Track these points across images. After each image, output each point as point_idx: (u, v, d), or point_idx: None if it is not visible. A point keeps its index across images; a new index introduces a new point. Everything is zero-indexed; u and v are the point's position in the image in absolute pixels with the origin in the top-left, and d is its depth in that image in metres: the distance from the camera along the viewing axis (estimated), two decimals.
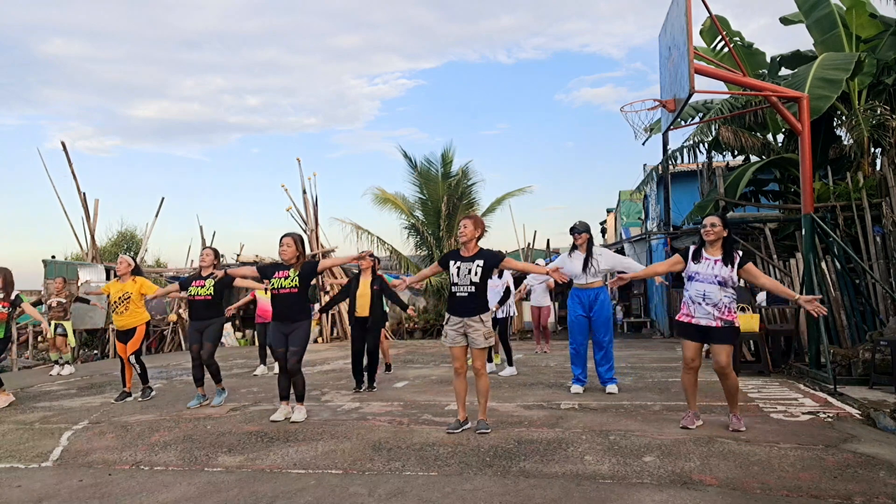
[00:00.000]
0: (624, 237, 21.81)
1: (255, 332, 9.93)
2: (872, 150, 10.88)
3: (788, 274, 9.77)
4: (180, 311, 15.33)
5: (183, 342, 15.08)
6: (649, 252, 16.93)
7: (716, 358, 4.86)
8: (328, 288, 16.06)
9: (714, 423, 5.07)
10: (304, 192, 16.55)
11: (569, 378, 7.15)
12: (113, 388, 7.94)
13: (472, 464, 4.24)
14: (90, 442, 5.21)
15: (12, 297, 7.12)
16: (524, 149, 75.93)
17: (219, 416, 5.99)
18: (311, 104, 79.99)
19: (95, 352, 14.39)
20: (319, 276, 14.85)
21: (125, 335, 7.01)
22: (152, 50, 68.05)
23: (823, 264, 8.26)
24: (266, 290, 7.31)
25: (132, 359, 7.00)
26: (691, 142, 14.56)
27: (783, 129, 12.65)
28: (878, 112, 10.44)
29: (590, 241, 6.73)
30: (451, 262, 5.15)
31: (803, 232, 7.92)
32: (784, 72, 12.67)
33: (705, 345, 5.05)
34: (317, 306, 15.32)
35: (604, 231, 29.93)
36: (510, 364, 8.59)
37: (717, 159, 14.79)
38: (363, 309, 7.26)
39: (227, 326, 15.25)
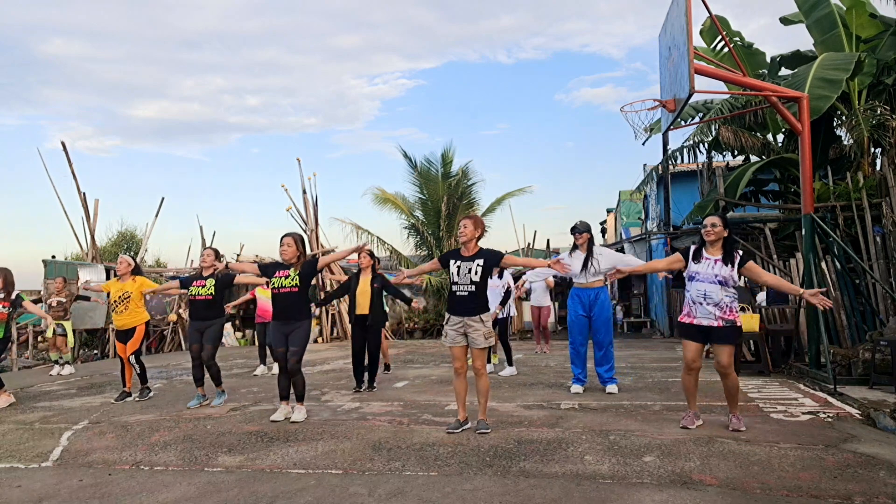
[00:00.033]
0: (624, 237, 21.81)
1: (255, 332, 9.93)
2: (872, 150, 10.88)
3: (788, 274, 9.77)
4: (180, 311, 15.34)
5: (183, 342, 15.08)
6: (649, 252, 16.93)
7: (717, 357, 4.86)
8: (328, 288, 16.06)
9: (714, 423, 5.07)
10: (304, 192, 16.57)
11: (569, 378, 7.15)
12: (113, 388, 7.95)
13: (472, 464, 4.24)
14: (90, 442, 5.21)
15: (13, 297, 7.13)
16: (524, 149, 75.99)
17: (219, 416, 5.99)
18: (311, 104, 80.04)
19: (95, 352, 14.39)
20: (319, 275, 14.84)
21: (125, 335, 7.01)
22: (152, 50, 68.12)
23: (823, 264, 8.26)
24: (267, 284, 7.30)
25: (132, 359, 7.00)
26: (691, 142, 14.57)
27: (783, 129, 12.65)
28: (878, 112, 10.44)
29: (590, 241, 6.73)
30: (452, 262, 5.15)
31: (803, 232, 7.93)
32: (784, 72, 12.68)
33: (706, 346, 5.05)
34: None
35: (604, 231, 29.93)
36: (510, 364, 8.59)
37: (717, 159, 14.81)
38: (363, 307, 7.27)
39: (227, 326, 15.25)
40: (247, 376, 9.06)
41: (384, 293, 7.59)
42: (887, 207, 9.09)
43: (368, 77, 77.56)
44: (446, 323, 5.18)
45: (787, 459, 4.07)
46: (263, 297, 9.09)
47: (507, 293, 8.60)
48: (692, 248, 5.06)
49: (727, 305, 4.80)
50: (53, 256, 14.80)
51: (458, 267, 5.08)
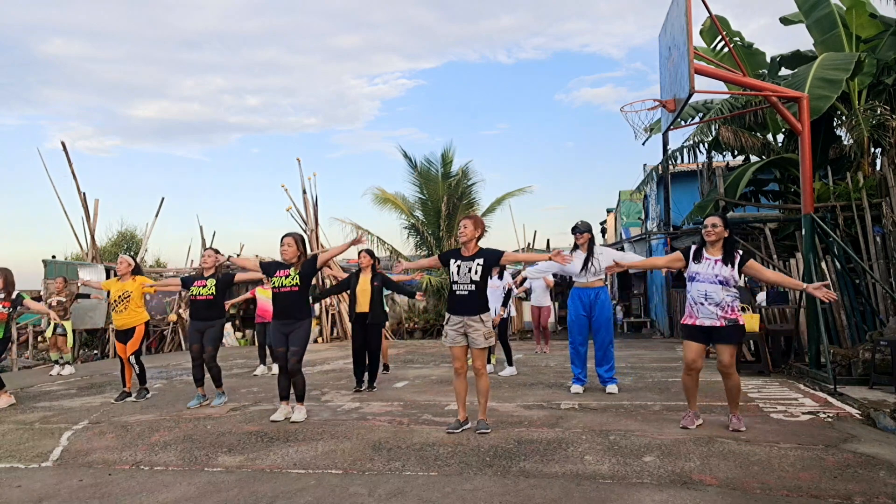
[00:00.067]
0: (624, 237, 21.82)
1: (255, 333, 9.94)
2: (872, 150, 10.88)
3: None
4: (180, 311, 15.34)
5: (183, 342, 15.08)
6: (649, 252, 16.93)
7: (720, 357, 4.85)
8: (328, 286, 16.07)
9: (714, 423, 5.07)
10: (304, 192, 16.57)
11: (569, 378, 7.15)
12: (113, 388, 7.95)
13: (472, 464, 4.24)
14: (90, 442, 5.21)
15: (13, 296, 7.13)
16: (524, 149, 75.97)
17: (219, 416, 5.99)
18: (311, 104, 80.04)
19: (95, 352, 14.40)
20: (319, 274, 14.84)
21: (124, 335, 7.01)
22: (152, 50, 68.12)
23: (823, 264, 8.26)
24: (266, 280, 7.31)
25: (132, 359, 7.00)
26: (691, 142, 14.57)
27: (783, 129, 12.65)
28: (878, 112, 10.44)
29: (591, 241, 6.73)
30: (452, 261, 5.16)
31: (803, 232, 7.93)
32: (784, 72, 12.68)
33: (709, 346, 5.04)
34: (317, 306, 15.36)
35: (604, 231, 29.94)
36: (510, 364, 8.60)
37: (717, 159, 14.80)
38: (363, 305, 7.28)
39: (227, 326, 15.25)
40: (247, 376, 9.06)
41: (385, 292, 7.59)
42: (887, 207, 9.09)
43: (368, 77, 77.61)
44: (446, 323, 5.18)
45: (787, 459, 4.07)
46: (263, 297, 9.09)
47: (508, 294, 8.60)
48: (693, 248, 5.05)
49: (729, 305, 4.80)
50: (53, 256, 14.80)
51: (458, 266, 5.09)
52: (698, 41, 12.64)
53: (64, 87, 66.14)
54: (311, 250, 15.88)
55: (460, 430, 5.04)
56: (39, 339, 14.42)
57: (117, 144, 68.53)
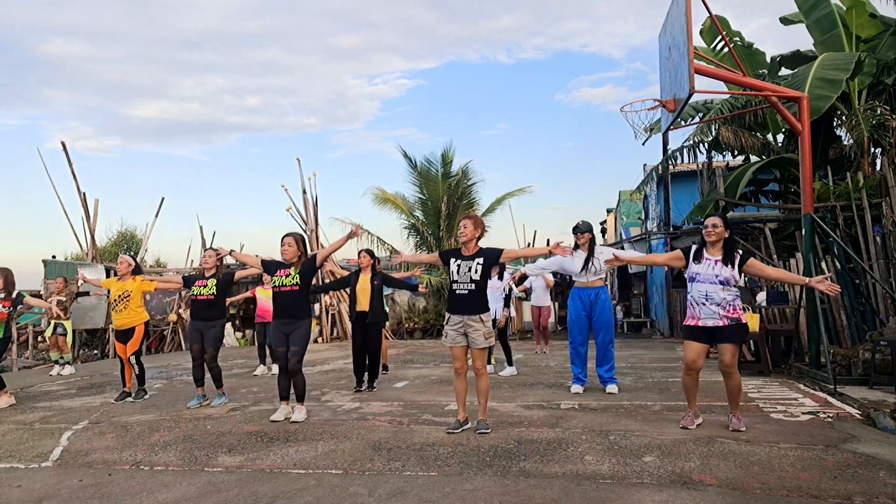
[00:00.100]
0: (624, 237, 21.83)
1: (255, 333, 9.94)
2: (872, 150, 10.88)
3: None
4: (180, 310, 15.34)
5: (183, 342, 15.08)
6: (649, 252, 16.94)
7: (722, 357, 4.85)
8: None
9: (714, 423, 5.07)
10: (304, 192, 16.56)
11: (569, 378, 7.15)
12: (113, 388, 7.95)
13: (472, 464, 4.24)
14: (90, 442, 5.21)
15: (13, 296, 7.13)
16: (524, 149, 75.91)
17: (219, 416, 5.99)
18: (311, 104, 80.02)
19: (95, 352, 14.40)
20: (319, 273, 14.83)
21: (124, 335, 7.00)
22: (152, 50, 68.07)
23: (823, 264, 8.27)
24: (265, 274, 7.31)
25: (132, 359, 7.00)
26: (691, 142, 14.57)
27: (783, 129, 12.65)
28: (878, 112, 10.44)
29: (592, 241, 6.73)
30: (452, 260, 5.16)
31: (803, 232, 7.92)
32: (784, 72, 12.68)
33: (711, 346, 5.03)
34: (317, 306, 15.37)
35: (604, 231, 29.94)
36: (510, 364, 8.60)
37: (717, 159, 14.81)
38: (363, 304, 7.29)
39: (227, 326, 15.26)
40: (247, 376, 9.06)
41: (385, 292, 7.60)
42: (887, 207, 9.09)
43: (368, 77, 77.57)
44: (446, 323, 5.18)
45: (787, 459, 4.07)
46: (263, 297, 9.09)
47: (509, 295, 8.60)
48: (693, 248, 5.05)
49: (730, 304, 4.79)
50: (54, 256, 14.82)
51: (458, 266, 5.09)
52: (698, 41, 12.65)
53: (64, 87, 66.17)
54: (312, 250, 15.88)
55: (460, 430, 5.04)
56: (39, 339, 14.43)
57: (117, 144, 68.56)
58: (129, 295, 6.96)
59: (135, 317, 7.00)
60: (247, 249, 18.49)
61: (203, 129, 71.52)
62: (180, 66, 72.44)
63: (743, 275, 4.99)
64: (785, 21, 13.07)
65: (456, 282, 5.09)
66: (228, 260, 7.25)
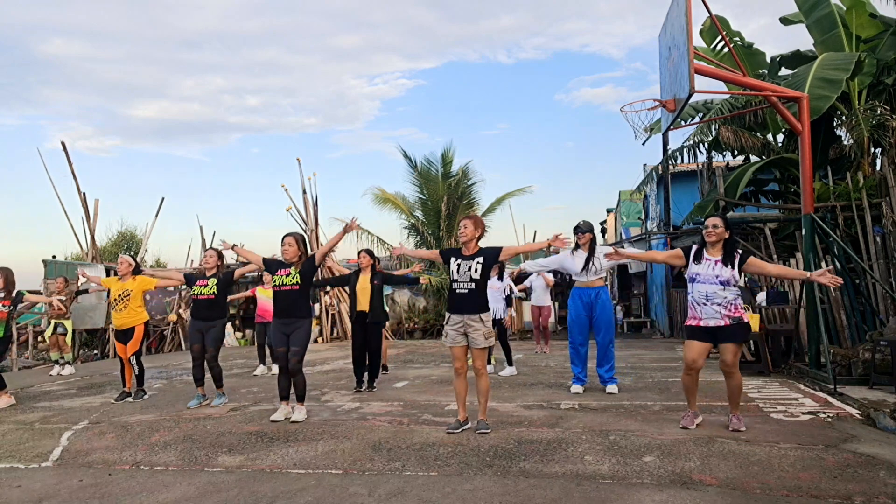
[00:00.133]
0: (624, 237, 21.83)
1: (255, 332, 9.95)
2: (872, 150, 10.89)
3: None
4: (180, 310, 15.34)
5: (183, 342, 15.08)
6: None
7: (723, 356, 4.85)
8: (328, 287, 16.06)
9: (714, 423, 5.07)
10: (304, 192, 16.57)
11: (569, 378, 7.15)
12: (113, 388, 7.95)
13: (472, 464, 4.24)
14: (90, 442, 5.21)
15: (13, 295, 7.14)
16: (524, 149, 75.87)
17: (219, 416, 5.99)
18: (311, 104, 79.99)
19: (95, 352, 14.40)
20: (319, 272, 14.85)
21: (124, 335, 7.00)
22: (152, 50, 68.03)
23: (823, 264, 8.26)
24: (268, 276, 7.31)
25: (132, 359, 7.00)
26: (691, 142, 14.57)
27: (783, 129, 12.66)
28: (878, 112, 10.45)
29: (593, 241, 6.73)
30: (452, 259, 5.17)
31: (803, 232, 7.92)
32: (784, 72, 12.68)
33: (713, 346, 5.02)
34: (317, 306, 15.37)
35: (604, 231, 29.95)
36: (510, 364, 8.60)
37: (717, 159, 14.81)
38: (363, 304, 7.29)
39: (227, 326, 15.26)
40: (247, 376, 9.06)
41: (385, 292, 7.60)
42: (887, 207, 9.10)
43: (368, 77, 77.53)
44: (446, 323, 5.18)
45: (787, 459, 4.07)
46: (264, 297, 9.10)
47: (510, 296, 8.60)
48: (693, 248, 5.05)
49: (731, 303, 4.79)
50: (54, 256, 14.82)
51: (459, 265, 5.10)
52: (698, 41, 12.65)
53: (64, 87, 66.13)
54: (312, 250, 15.89)
55: (460, 430, 5.04)
56: (39, 339, 14.43)
57: (117, 144, 68.51)
58: (129, 294, 6.96)
59: (134, 317, 7.00)
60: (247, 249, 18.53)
61: (203, 129, 71.52)
62: (180, 66, 72.45)
63: (743, 274, 4.99)
64: (785, 21, 13.08)
65: (456, 281, 5.09)
66: (230, 255, 7.26)
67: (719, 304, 4.79)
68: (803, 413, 5.46)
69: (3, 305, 6.98)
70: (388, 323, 10.20)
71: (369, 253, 7.62)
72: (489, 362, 8.76)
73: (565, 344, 7.96)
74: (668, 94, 7.91)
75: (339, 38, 75.65)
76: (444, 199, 17.62)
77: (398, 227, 19.77)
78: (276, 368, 6.44)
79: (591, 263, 6.63)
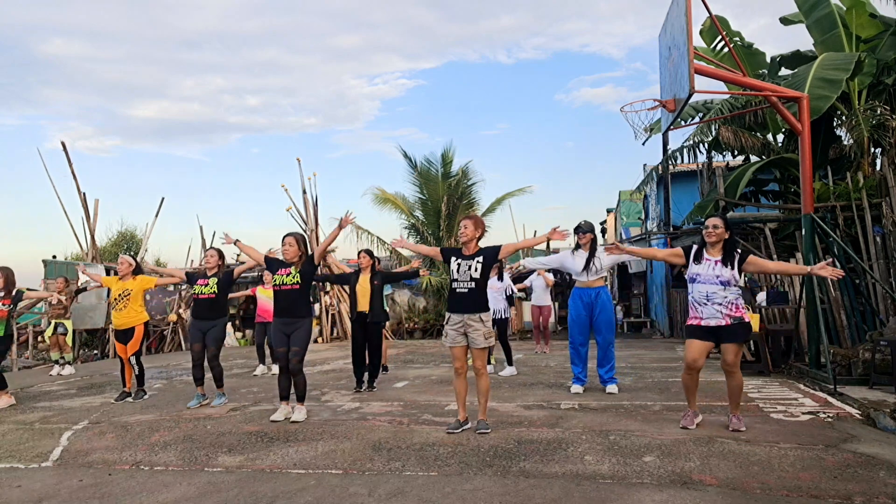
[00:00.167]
0: (624, 237, 21.82)
1: (255, 332, 9.96)
2: (872, 150, 10.89)
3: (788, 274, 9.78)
4: (180, 310, 15.34)
5: (183, 342, 15.09)
6: None
7: (724, 356, 4.84)
8: (328, 289, 16.06)
9: (714, 423, 5.07)
10: (304, 192, 16.57)
11: (569, 378, 7.15)
12: (113, 388, 7.95)
13: (472, 464, 4.24)
14: (90, 442, 5.21)
15: (13, 293, 7.14)
16: (524, 149, 75.89)
17: (219, 416, 5.99)
18: (311, 104, 79.98)
19: (95, 352, 14.40)
20: (319, 270, 14.86)
21: (124, 335, 7.00)
22: (152, 50, 68.02)
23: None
24: (269, 275, 7.33)
25: (132, 359, 7.00)
26: (691, 142, 14.58)
27: (783, 129, 12.66)
28: (878, 112, 10.45)
29: (594, 241, 6.74)
30: (453, 258, 5.17)
31: (803, 232, 7.92)
32: (784, 72, 12.69)
33: (715, 346, 5.02)
34: (317, 306, 15.37)
35: (604, 231, 29.94)
36: (510, 364, 8.60)
37: (717, 159, 14.82)
38: (363, 304, 7.30)
39: (227, 326, 15.25)
40: (247, 376, 9.06)
41: (385, 292, 7.60)
42: (887, 207, 9.10)
43: (368, 77, 77.53)
44: (446, 323, 5.18)
45: (787, 459, 4.07)
46: (264, 297, 9.10)
47: (510, 297, 8.61)
48: (693, 248, 5.05)
49: (732, 303, 4.79)
50: (54, 256, 14.82)
51: (459, 264, 5.10)
52: (698, 41, 12.65)
53: (64, 87, 66.11)
54: (312, 250, 15.89)
55: (460, 430, 5.04)
56: (39, 339, 14.44)
57: (117, 144, 68.49)
58: (129, 293, 6.96)
59: (134, 317, 6.99)
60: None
61: (203, 129, 71.51)
62: (180, 66, 72.45)
63: (743, 274, 4.98)
64: (785, 21, 13.08)
65: (456, 280, 5.10)
66: (233, 250, 7.27)
67: (720, 304, 4.78)
68: (803, 413, 5.46)
69: (4, 304, 6.98)
70: (388, 323, 10.21)
71: (369, 253, 7.62)
72: (489, 362, 8.76)
73: (565, 344, 7.97)
74: (668, 94, 7.91)
75: (339, 38, 75.67)
76: (444, 199, 17.62)
77: (398, 227, 19.78)
78: (276, 368, 6.45)
79: (591, 263, 6.63)
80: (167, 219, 62.80)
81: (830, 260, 5.35)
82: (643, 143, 11.46)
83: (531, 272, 11.54)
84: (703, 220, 5.69)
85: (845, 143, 11.87)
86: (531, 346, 12.28)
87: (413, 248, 6.11)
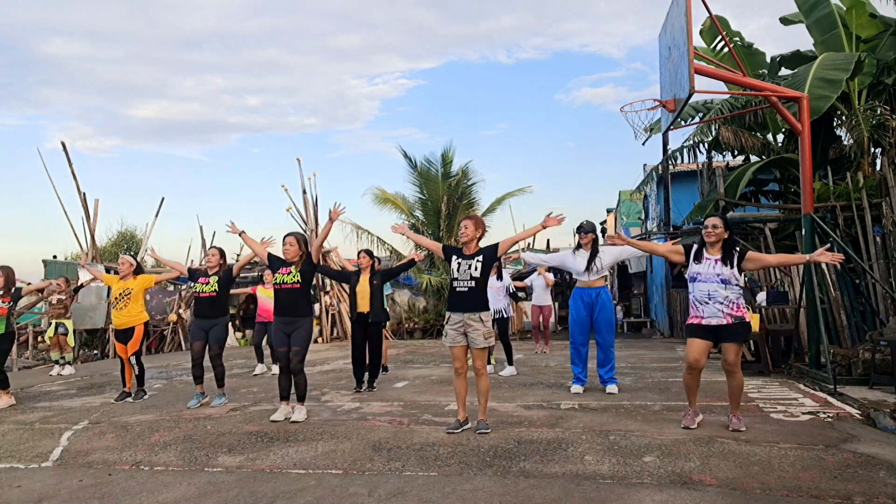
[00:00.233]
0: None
1: (254, 332, 9.97)
2: (872, 150, 10.88)
3: (788, 274, 9.78)
4: (180, 310, 15.34)
5: (183, 342, 15.08)
6: None
7: (725, 355, 4.84)
8: (329, 289, 16.07)
9: (714, 423, 5.07)
10: (304, 192, 16.57)
11: (569, 378, 7.15)
12: (113, 388, 7.95)
13: (472, 464, 4.24)
14: (90, 442, 5.21)
15: (12, 291, 7.14)
16: (524, 149, 75.88)
17: (219, 416, 5.99)
18: (311, 104, 79.95)
19: (95, 352, 14.39)
20: (319, 275, 14.83)
21: (124, 335, 7.00)
22: (152, 50, 67.98)
23: (823, 264, 8.26)
24: (269, 268, 7.33)
25: (132, 359, 7.00)
26: (691, 142, 14.57)
27: (783, 129, 12.65)
28: (878, 112, 10.44)
29: (595, 241, 6.74)
30: (454, 257, 5.18)
31: (803, 232, 7.92)
32: (784, 72, 12.68)
33: (715, 345, 5.02)
34: (317, 306, 15.37)
35: (604, 231, 29.97)
36: (510, 364, 8.60)
37: (717, 159, 14.81)
38: (363, 305, 7.30)
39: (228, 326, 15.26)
40: (247, 376, 9.06)
41: (385, 292, 7.60)
42: (887, 207, 9.09)
43: (368, 77, 77.50)
44: (447, 323, 5.18)
45: (787, 459, 4.07)
46: (264, 296, 9.10)
47: (514, 294, 8.61)
48: (694, 247, 5.05)
49: (733, 302, 4.79)
50: (54, 256, 14.83)
51: (459, 264, 5.11)
52: (698, 41, 12.65)
53: (64, 87, 66.07)
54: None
55: (460, 430, 5.04)
56: (39, 339, 14.44)
57: (117, 144, 68.45)
58: (129, 293, 6.96)
59: (135, 316, 6.99)
60: (247, 249, 18.49)
61: (203, 129, 71.48)
62: (180, 66, 72.41)
63: (744, 273, 4.98)
64: (785, 21, 13.07)
65: (456, 279, 5.10)
66: (234, 250, 7.29)
67: (721, 303, 4.79)
68: (803, 413, 5.46)
69: (3, 302, 6.98)
70: (388, 323, 10.21)
71: (369, 253, 7.61)
72: (489, 362, 8.76)
73: (565, 344, 7.97)
74: (668, 94, 7.91)
75: (339, 38, 75.64)
76: (444, 199, 17.62)
77: None
78: (276, 368, 6.45)
79: (593, 263, 6.64)
80: (167, 219, 62.91)
81: (829, 245, 5.35)
82: (643, 143, 11.47)
83: (531, 272, 11.56)
84: (702, 220, 5.68)
85: (845, 143, 11.86)
86: (531, 346, 12.28)
87: (415, 238, 6.10)
